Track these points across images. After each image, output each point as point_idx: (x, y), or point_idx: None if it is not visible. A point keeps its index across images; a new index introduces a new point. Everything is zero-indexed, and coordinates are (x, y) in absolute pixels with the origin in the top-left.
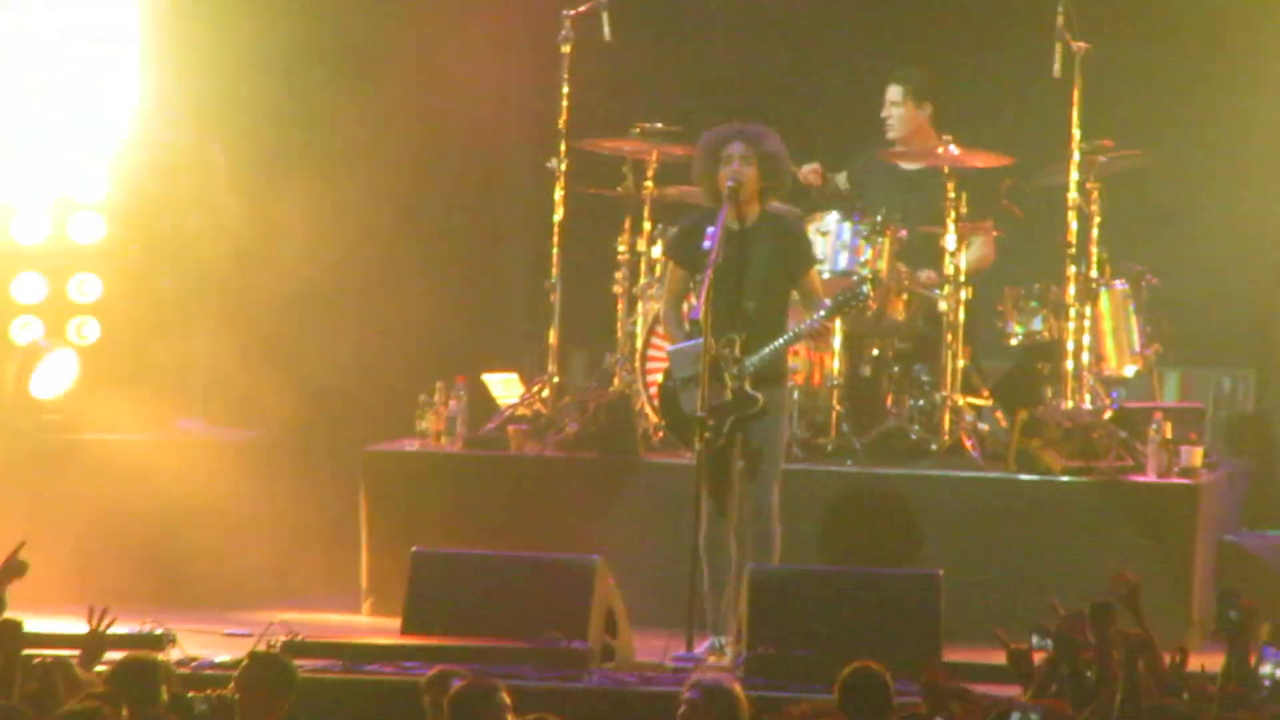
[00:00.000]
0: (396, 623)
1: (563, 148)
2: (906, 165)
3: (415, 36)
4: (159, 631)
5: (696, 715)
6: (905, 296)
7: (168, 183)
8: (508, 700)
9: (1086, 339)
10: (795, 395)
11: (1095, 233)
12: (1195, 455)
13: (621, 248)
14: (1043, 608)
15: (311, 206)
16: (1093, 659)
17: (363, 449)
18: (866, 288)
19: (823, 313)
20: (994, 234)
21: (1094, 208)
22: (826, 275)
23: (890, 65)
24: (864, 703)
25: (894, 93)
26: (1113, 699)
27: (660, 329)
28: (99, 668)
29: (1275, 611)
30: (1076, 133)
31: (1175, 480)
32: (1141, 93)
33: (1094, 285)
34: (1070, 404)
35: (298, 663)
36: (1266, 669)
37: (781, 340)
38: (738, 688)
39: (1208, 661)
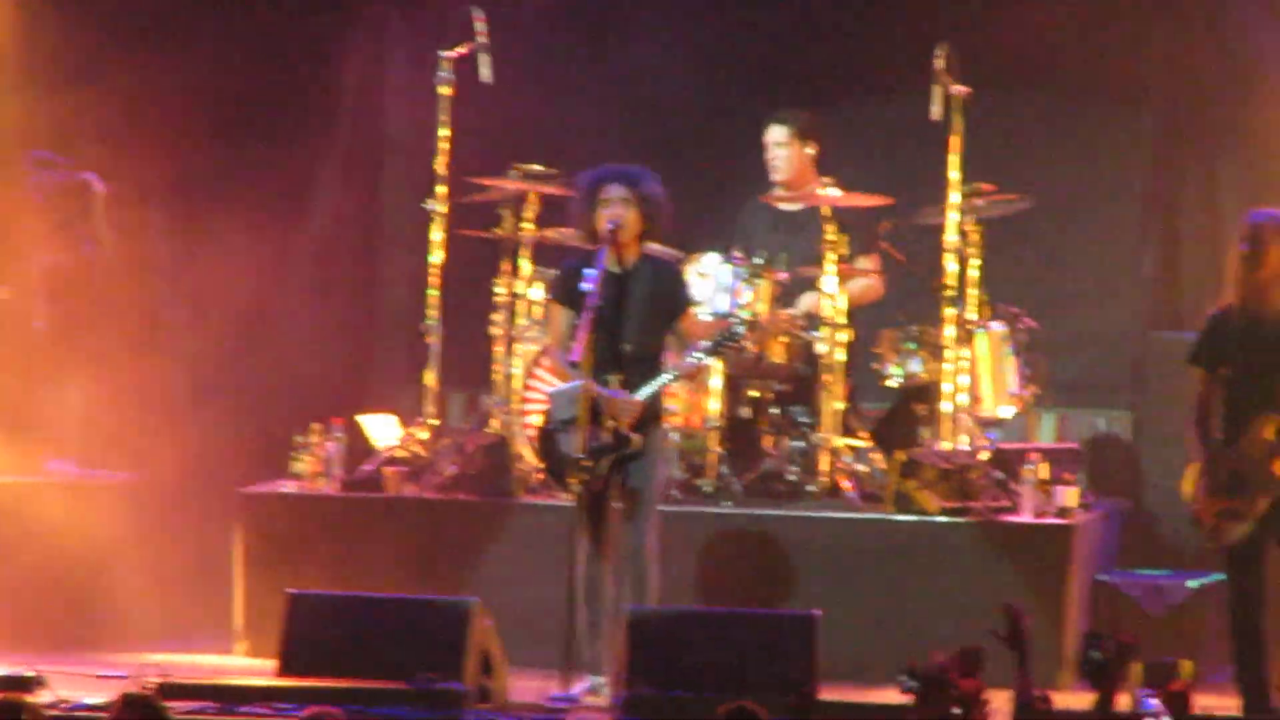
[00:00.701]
0: (271, 664)
1: (440, 189)
2: (787, 207)
3: (292, 78)
4: (29, 673)
5: None
6: (785, 339)
7: (41, 219)
8: None
9: (963, 380)
10: (674, 437)
11: (973, 275)
12: (1070, 496)
13: (500, 290)
14: (915, 648)
15: (185, 247)
16: (958, 703)
17: (238, 490)
18: (741, 327)
19: (700, 353)
20: (878, 276)
21: (972, 250)
22: (707, 317)
23: (769, 109)
24: None
25: (779, 133)
26: None
27: (538, 371)
28: None
29: (1147, 651)
30: (955, 175)
31: (1050, 521)
32: (1019, 137)
33: (971, 327)
34: (947, 445)
35: (171, 704)
36: None
37: (659, 381)
38: None
39: (1079, 702)
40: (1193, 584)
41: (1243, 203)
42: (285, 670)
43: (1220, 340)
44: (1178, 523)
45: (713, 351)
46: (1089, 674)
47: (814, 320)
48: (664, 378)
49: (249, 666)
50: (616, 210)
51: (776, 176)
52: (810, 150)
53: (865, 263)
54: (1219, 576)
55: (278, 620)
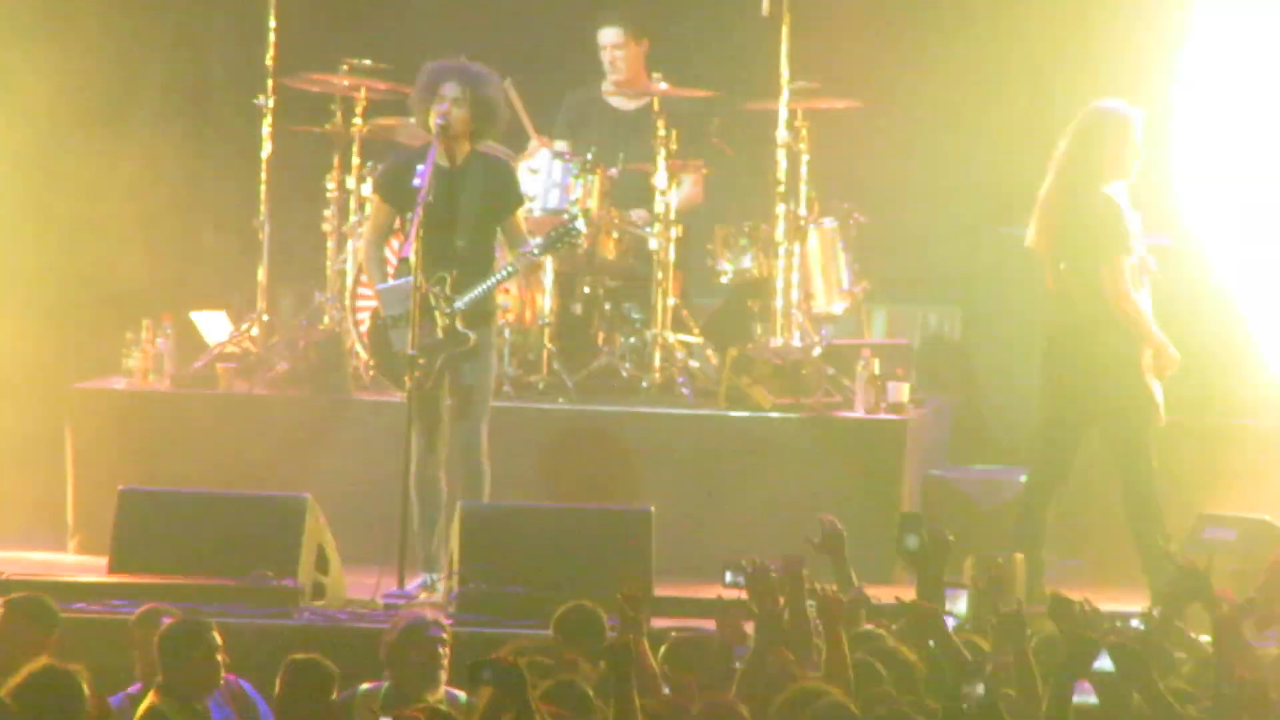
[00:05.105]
0: (104, 561)
1: (270, 84)
2: (624, 106)
3: None
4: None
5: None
6: (616, 235)
7: None
8: (219, 639)
9: (796, 276)
10: (506, 333)
11: (804, 171)
12: (902, 391)
13: (331, 185)
14: (748, 544)
15: (14, 140)
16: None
17: (70, 386)
18: (580, 223)
19: (535, 248)
20: (704, 172)
21: (803, 146)
22: (537, 213)
23: (597, 4)
24: (580, 640)
25: (613, 35)
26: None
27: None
28: None
29: (977, 545)
30: (785, 71)
31: (883, 416)
32: (852, 33)
33: (803, 223)
34: (780, 341)
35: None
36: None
37: (495, 278)
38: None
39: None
40: (1024, 478)
41: (1072, 95)
42: (117, 567)
43: None
44: (1008, 417)
45: (550, 246)
46: (906, 558)
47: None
48: (501, 273)
49: (81, 564)
50: (448, 108)
51: (616, 78)
52: (644, 47)
53: (692, 164)
54: None
55: (110, 517)
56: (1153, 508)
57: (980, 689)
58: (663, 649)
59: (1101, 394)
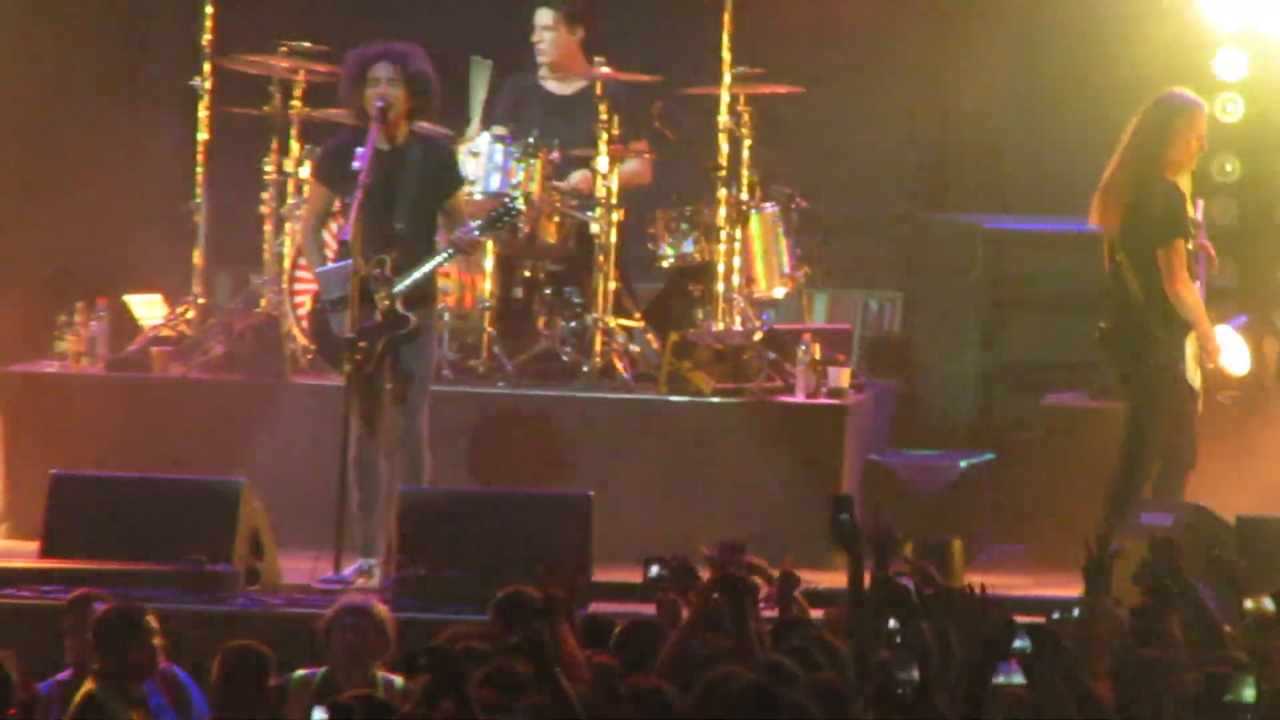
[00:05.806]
0: (35, 546)
1: (207, 66)
2: (561, 91)
3: None
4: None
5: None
6: (557, 219)
7: None
8: (155, 624)
9: (737, 261)
10: (446, 317)
11: (746, 156)
12: (843, 376)
13: (269, 168)
14: (689, 528)
15: None
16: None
17: (1, 370)
18: (519, 203)
19: (474, 228)
20: (648, 156)
21: (745, 130)
22: (478, 197)
23: None
24: (518, 625)
25: (545, 17)
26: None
27: None
28: None
29: (917, 529)
30: (727, 56)
31: (823, 401)
32: (794, 18)
33: (744, 208)
34: (721, 326)
35: None
36: None
37: (435, 260)
38: (381, 608)
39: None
40: (963, 464)
41: (1012, 84)
42: (48, 553)
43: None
44: (948, 403)
45: (490, 226)
46: (838, 538)
47: (587, 199)
48: (441, 255)
49: (11, 549)
50: (384, 89)
51: (543, 59)
52: (577, 35)
53: (636, 146)
54: (989, 456)
55: (42, 502)
56: (1129, 494)
57: (915, 674)
58: (615, 634)
59: (1142, 373)
